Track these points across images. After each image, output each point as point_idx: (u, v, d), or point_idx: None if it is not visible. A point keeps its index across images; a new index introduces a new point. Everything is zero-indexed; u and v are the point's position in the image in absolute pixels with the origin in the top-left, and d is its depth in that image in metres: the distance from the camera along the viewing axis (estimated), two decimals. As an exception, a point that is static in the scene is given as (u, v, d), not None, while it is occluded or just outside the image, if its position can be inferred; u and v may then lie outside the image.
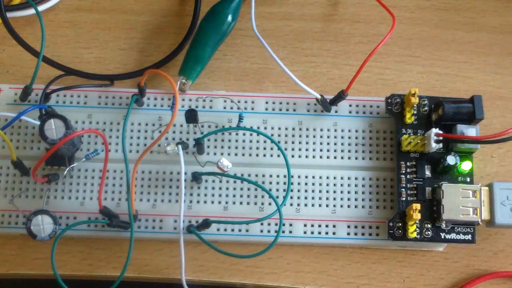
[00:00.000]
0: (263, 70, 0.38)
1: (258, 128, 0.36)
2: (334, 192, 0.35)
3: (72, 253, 0.34)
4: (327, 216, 0.34)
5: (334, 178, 0.35)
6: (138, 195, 0.35)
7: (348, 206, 0.35)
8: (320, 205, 0.35)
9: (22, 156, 0.34)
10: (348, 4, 0.40)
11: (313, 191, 0.35)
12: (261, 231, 0.34)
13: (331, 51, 0.39)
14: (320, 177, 0.35)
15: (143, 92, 0.35)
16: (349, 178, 0.35)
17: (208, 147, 0.35)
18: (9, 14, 0.37)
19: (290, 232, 0.34)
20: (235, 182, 0.35)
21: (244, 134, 0.35)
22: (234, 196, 0.35)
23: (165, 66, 0.38)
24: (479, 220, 0.32)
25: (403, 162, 0.34)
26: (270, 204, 0.34)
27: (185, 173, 0.34)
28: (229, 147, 0.35)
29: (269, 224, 0.34)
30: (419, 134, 0.34)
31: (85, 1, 0.40)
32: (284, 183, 0.35)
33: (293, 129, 0.36)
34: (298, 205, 0.35)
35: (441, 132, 0.33)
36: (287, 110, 0.36)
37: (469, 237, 0.33)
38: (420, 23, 0.40)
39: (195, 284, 0.34)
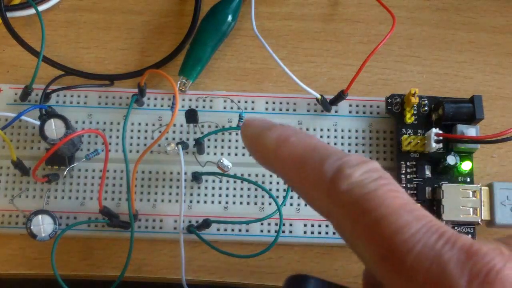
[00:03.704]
0: (263, 70, 0.38)
1: (258, 128, 0.36)
2: (334, 192, 0.35)
3: (72, 253, 0.34)
4: (327, 216, 0.34)
5: (334, 178, 0.35)
6: (138, 195, 0.35)
7: (348, 206, 0.35)
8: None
9: (22, 156, 0.34)
10: (348, 4, 0.40)
11: (313, 191, 0.35)
12: (261, 231, 0.34)
13: (331, 51, 0.39)
14: (320, 177, 0.35)
15: (143, 92, 0.35)
16: (349, 178, 0.35)
17: (208, 147, 0.35)
18: (9, 14, 0.37)
19: (290, 232, 0.34)
20: (235, 182, 0.35)
21: (244, 134, 0.35)
22: (234, 196, 0.35)
23: (165, 66, 0.38)
24: (479, 220, 0.32)
25: (403, 162, 0.34)
26: (270, 204, 0.34)
27: (185, 173, 0.34)
28: (229, 147, 0.35)
29: (269, 224, 0.34)
30: (419, 134, 0.34)
31: (85, 1, 0.40)
32: (284, 183, 0.35)
33: (293, 129, 0.36)
34: (298, 205, 0.35)
35: (441, 132, 0.33)
36: (287, 110, 0.36)
37: (469, 237, 0.33)
38: (420, 23, 0.40)
39: (195, 284, 0.34)
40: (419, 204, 0.20)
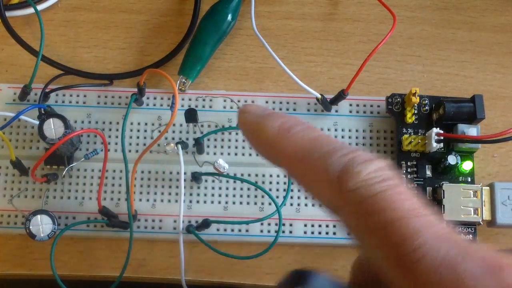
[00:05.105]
0: (263, 70, 0.38)
1: (258, 127, 0.35)
2: (335, 192, 0.35)
3: (71, 253, 0.34)
4: (327, 216, 0.34)
5: (335, 178, 0.35)
6: (137, 195, 0.34)
7: (349, 206, 0.34)
8: (320, 205, 0.34)
9: (21, 155, 0.34)
10: (348, 3, 0.40)
11: (313, 191, 0.35)
12: (261, 231, 0.34)
13: (331, 51, 0.39)
14: (320, 177, 0.35)
15: (143, 91, 0.35)
16: (349, 178, 0.35)
17: (208, 146, 0.35)
18: (8, 13, 0.37)
19: (290, 232, 0.34)
20: (234, 182, 0.35)
21: (244, 134, 0.35)
22: (234, 196, 0.34)
23: (164, 65, 0.38)
24: (480, 220, 0.32)
25: (403, 162, 0.34)
26: (270, 204, 0.34)
27: (185, 173, 0.34)
28: (229, 147, 0.35)
29: (269, 224, 0.34)
30: (419, 134, 0.34)
31: (84, 0, 0.39)
32: (284, 183, 0.35)
33: (293, 128, 0.35)
34: (298, 205, 0.34)
35: (441, 131, 0.33)
36: (287, 109, 0.36)
37: (470, 237, 0.33)
38: (421, 22, 0.39)
39: (195, 285, 0.34)
40: (427, 208, 0.19)
